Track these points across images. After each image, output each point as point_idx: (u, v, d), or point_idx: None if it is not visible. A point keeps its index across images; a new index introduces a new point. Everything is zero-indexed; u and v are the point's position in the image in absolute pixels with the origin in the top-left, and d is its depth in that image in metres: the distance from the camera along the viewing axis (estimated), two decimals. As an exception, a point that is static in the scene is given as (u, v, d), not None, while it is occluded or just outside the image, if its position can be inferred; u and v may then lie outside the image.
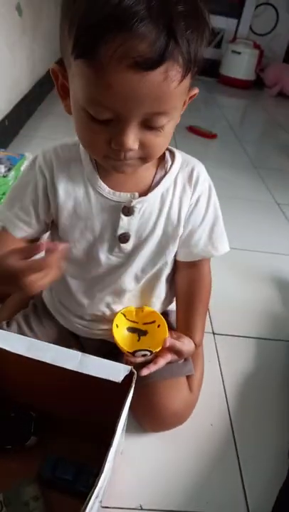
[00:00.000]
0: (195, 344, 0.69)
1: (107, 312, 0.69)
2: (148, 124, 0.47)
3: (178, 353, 0.66)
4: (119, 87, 0.43)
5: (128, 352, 0.63)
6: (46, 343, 0.55)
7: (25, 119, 1.91)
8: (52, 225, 0.66)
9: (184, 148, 0.67)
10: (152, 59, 0.41)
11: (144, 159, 0.53)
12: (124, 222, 0.61)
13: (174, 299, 0.74)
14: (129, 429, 0.66)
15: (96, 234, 0.62)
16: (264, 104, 3.21)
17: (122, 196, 0.60)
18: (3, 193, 1.27)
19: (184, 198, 0.63)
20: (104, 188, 0.60)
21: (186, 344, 0.67)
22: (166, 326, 0.67)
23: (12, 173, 1.32)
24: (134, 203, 0.60)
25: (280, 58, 3.54)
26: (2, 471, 0.59)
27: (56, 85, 0.53)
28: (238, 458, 0.70)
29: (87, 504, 0.41)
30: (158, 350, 0.64)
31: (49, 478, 0.58)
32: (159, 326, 0.67)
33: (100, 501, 0.50)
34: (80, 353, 0.54)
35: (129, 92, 0.43)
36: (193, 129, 2.16)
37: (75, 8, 0.43)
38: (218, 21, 3.33)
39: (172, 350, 0.66)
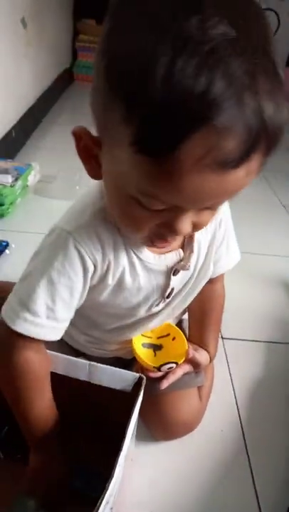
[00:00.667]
0: (210, 358, 0.70)
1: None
2: (206, 207, 0.41)
3: (195, 364, 0.67)
4: (190, 188, 0.34)
5: (154, 367, 0.62)
6: (55, 353, 0.55)
7: (32, 129, 1.94)
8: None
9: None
10: (239, 157, 0.33)
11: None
12: (174, 282, 0.57)
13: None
14: (140, 436, 0.66)
15: (141, 299, 0.57)
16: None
17: (169, 258, 0.55)
18: (11, 203, 1.29)
19: (211, 227, 0.58)
20: (150, 256, 0.53)
21: (203, 356, 0.68)
22: (184, 337, 0.67)
23: (19, 183, 1.34)
24: (183, 262, 0.56)
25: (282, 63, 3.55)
26: (13, 478, 0.59)
27: (76, 145, 0.43)
28: (249, 463, 0.69)
29: (98, 510, 0.40)
30: (182, 361, 0.64)
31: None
32: (174, 339, 0.67)
33: (111, 508, 0.49)
34: (87, 363, 0.54)
35: (200, 193, 0.35)
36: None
37: (142, 90, 0.31)
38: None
39: (191, 361, 0.66)
